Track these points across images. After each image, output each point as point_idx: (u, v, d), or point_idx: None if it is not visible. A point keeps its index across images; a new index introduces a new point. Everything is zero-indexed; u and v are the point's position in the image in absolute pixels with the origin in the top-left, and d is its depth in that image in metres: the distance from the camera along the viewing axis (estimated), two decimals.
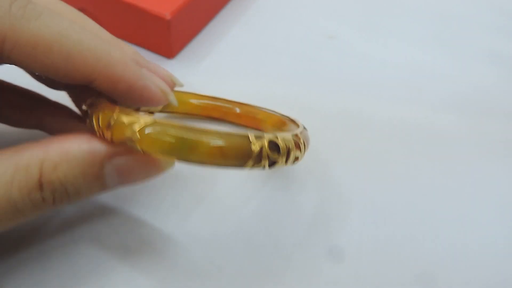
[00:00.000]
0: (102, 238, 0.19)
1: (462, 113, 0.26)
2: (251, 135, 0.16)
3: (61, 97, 0.21)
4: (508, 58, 0.29)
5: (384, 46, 0.29)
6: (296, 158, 0.17)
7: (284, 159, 0.17)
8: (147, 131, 0.15)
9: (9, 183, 0.14)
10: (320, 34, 0.30)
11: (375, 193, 0.21)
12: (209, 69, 0.27)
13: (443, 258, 0.20)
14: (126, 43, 0.18)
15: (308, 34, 0.30)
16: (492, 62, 0.29)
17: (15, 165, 0.14)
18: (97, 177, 0.16)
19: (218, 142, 0.15)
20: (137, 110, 0.20)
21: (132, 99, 0.16)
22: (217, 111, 0.24)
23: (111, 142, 0.15)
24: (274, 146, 0.16)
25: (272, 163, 0.16)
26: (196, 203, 0.21)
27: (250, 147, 0.16)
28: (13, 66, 0.16)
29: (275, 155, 0.16)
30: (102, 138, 0.16)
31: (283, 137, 0.17)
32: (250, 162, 0.16)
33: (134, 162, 0.16)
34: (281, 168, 0.18)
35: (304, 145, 0.18)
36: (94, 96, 0.17)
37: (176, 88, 0.19)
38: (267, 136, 0.16)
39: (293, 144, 0.17)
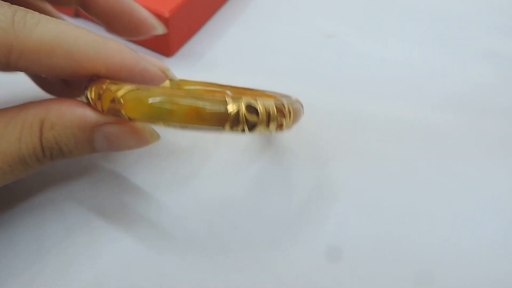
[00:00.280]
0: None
1: (460, 111, 0.26)
2: (228, 97, 0.16)
3: None
4: (506, 58, 0.29)
5: (383, 45, 0.30)
6: (281, 125, 0.17)
7: (264, 123, 0.16)
8: (129, 96, 0.16)
9: (18, 140, 0.16)
10: (319, 33, 0.30)
11: (373, 191, 0.22)
12: (207, 67, 0.27)
13: (441, 257, 0.20)
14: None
15: (307, 33, 0.30)
16: (490, 61, 0.29)
17: (21, 123, 0.16)
18: (87, 141, 0.17)
19: (195, 104, 0.16)
20: None
21: (135, 81, 0.17)
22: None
23: (103, 112, 0.17)
24: (252, 109, 0.16)
25: (252, 127, 0.16)
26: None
27: (227, 109, 0.16)
28: None
29: (253, 118, 0.16)
30: (96, 109, 0.17)
31: (263, 101, 0.17)
32: (228, 124, 0.16)
33: (123, 131, 0.18)
34: (267, 135, 0.18)
35: (290, 113, 0.18)
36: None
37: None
38: (246, 99, 0.16)
39: (275, 109, 0.17)
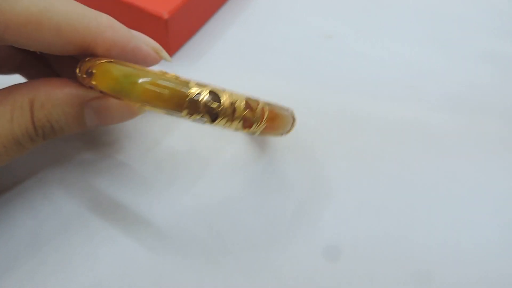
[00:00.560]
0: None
1: (458, 112, 0.26)
2: (193, 81, 0.16)
3: None
4: (504, 58, 0.29)
5: (381, 45, 0.30)
6: (249, 124, 0.16)
7: (229, 116, 0.16)
8: (100, 67, 0.16)
9: (10, 120, 0.16)
10: (317, 34, 0.30)
11: (372, 191, 0.22)
12: (206, 68, 0.27)
13: (439, 256, 0.20)
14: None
15: (306, 33, 0.30)
16: (487, 61, 0.29)
17: (11, 104, 0.16)
18: (77, 117, 0.17)
19: (157, 82, 0.15)
20: None
21: (127, 60, 0.17)
22: None
23: (90, 88, 0.17)
24: (215, 97, 0.15)
25: (213, 116, 0.15)
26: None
27: (186, 91, 0.15)
28: None
29: (214, 106, 0.15)
30: (84, 85, 0.17)
31: (232, 93, 0.16)
32: (186, 108, 0.15)
33: (110, 104, 0.18)
34: (228, 129, 0.16)
35: (264, 114, 0.17)
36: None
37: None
38: (211, 87, 0.16)
39: (243, 104, 0.16)
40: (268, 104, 0.17)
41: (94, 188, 0.21)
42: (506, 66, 0.29)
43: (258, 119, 0.17)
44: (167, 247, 0.19)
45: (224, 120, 0.16)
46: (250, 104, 0.16)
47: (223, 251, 0.19)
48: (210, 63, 0.27)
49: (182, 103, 0.15)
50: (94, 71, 0.16)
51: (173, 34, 0.27)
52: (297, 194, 0.21)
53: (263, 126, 0.17)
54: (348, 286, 0.19)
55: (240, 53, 0.28)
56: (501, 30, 0.31)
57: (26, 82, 0.17)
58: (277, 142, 0.23)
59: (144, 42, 0.18)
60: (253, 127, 0.17)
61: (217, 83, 0.24)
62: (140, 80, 0.15)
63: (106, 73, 0.16)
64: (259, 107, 0.17)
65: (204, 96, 0.15)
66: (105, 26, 0.16)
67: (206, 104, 0.15)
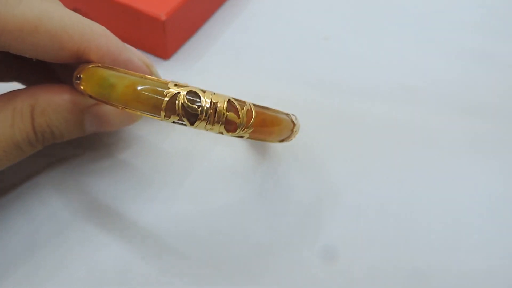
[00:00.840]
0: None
1: (455, 112, 0.26)
2: (173, 82, 0.15)
3: None
4: (501, 58, 0.29)
5: (379, 46, 0.30)
6: (233, 128, 0.15)
7: (206, 118, 0.15)
8: (87, 71, 0.16)
9: (11, 126, 0.16)
10: (315, 36, 0.30)
11: (369, 192, 0.22)
12: (204, 70, 0.27)
13: (436, 256, 0.20)
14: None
15: (303, 35, 0.30)
16: (484, 62, 0.29)
17: (12, 110, 0.16)
18: (77, 123, 0.18)
19: (135, 83, 0.15)
20: None
21: None
22: None
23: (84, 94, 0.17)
24: (194, 98, 0.15)
25: (192, 118, 0.15)
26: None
27: (163, 92, 0.15)
28: None
29: (193, 107, 0.15)
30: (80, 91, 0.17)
31: (214, 94, 0.15)
32: (164, 110, 0.15)
33: (110, 111, 0.18)
34: (213, 133, 0.16)
35: (251, 117, 0.16)
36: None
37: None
38: (191, 87, 0.15)
39: (225, 105, 0.15)
40: (259, 107, 0.16)
41: (90, 192, 0.21)
42: (503, 66, 0.29)
43: (244, 122, 0.16)
44: (165, 252, 0.19)
45: (204, 123, 0.15)
46: (234, 106, 0.15)
47: (223, 255, 0.19)
48: (207, 65, 0.27)
49: (159, 105, 0.15)
50: (81, 75, 0.16)
51: (171, 36, 0.26)
52: (297, 196, 0.21)
53: (250, 130, 0.16)
54: None
55: (237, 55, 0.28)
56: (497, 30, 0.31)
57: (26, 88, 0.17)
58: (276, 144, 0.23)
59: (136, 55, 0.18)
60: (237, 130, 0.16)
61: (214, 85, 0.24)
62: (119, 83, 0.15)
63: (91, 77, 0.16)
64: (245, 109, 0.16)
65: (182, 97, 0.15)
66: (100, 35, 0.17)
67: (183, 106, 0.15)
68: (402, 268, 0.19)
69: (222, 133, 0.15)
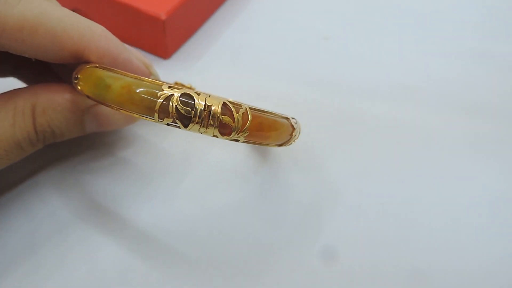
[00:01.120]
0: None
1: (455, 112, 0.26)
2: (167, 84, 0.15)
3: None
4: (501, 58, 0.29)
5: (379, 47, 0.30)
6: (228, 132, 0.15)
7: (200, 120, 0.14)
8: (84, 71, 0.16)
9: (12, 125, 0.16)
10: (315, 35, 0.30)
11: (369, 192, 0.22)
12: (204, 70, 0.27)
13: (436, 255, 0.20)
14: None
15: (304, 35, 0.30)
16: (484, 62, 0.29)
17: (13, 109, 0.16)
18: (77, 123, 0.18)
19: (129, 84, 0.15)
20: None
21: None
22: None
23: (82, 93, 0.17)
24: (188, 100, 0.14)
25: (185, 121, 0.14)
26: (183, 193, 0.21)
27: (157, 94, 0.14)
28: None
29: (186, 110, 0.14)
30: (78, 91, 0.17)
31: (209, 96, 0.15)
32: (157, 112, 0.14)
33: (110, 112, 0.18)
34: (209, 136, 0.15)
35: (247, 120, 0.15)
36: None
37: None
38: (186, 89, 0.15)
39: (220, 108, 0.15)
40: (257, 111, 0.16)
41: (90, 191, 0.21)
42: (503, 66, 0.29)
43: (239, 126, 0.15)
44: (165, 251, 0.19)
45: (198, 126, 0.15)
46: (229, 109, 0.15)
47: (223, 255, 0.19)
48: (207, 65, 0.27)
49: (153, 107, 0.15)
50: (79, 75, 0.16)
51: (171, 35, 0.26)
52: (297, 196, 0.21)
53: (245, 134, 0.15)
54: None
55: (237, 54, 0.28)
56: (498, 30, 0.31)
57: (27, 87, 0.17)
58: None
59: (135, 55, 0.18)
60: (232, 134, 0.15)
61: (214, 85, 0.24)
62: (114, 84, 0.15)
63: (88, 77, 0.16)
64: (240, 112, 0.15)
65: (176, 99, 0.14)
66: (99, 35, 0.17)
67: (177, 108, 0.14)
68: (402, 267, 0.19)
69: (216, 136, 0.15)
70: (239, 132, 0.15)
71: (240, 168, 0.22)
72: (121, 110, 0.15)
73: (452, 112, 0.26)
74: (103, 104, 0.16)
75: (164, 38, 0.26)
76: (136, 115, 0.15)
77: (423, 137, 0.24)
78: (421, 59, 0.29)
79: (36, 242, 0.19)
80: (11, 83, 0.21)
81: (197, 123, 0.15)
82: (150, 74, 0.19)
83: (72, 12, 0.17)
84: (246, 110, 0.15)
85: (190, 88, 0.23)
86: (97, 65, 0.16)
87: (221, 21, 0.30)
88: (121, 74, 0.16)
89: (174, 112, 0.14)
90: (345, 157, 0.23)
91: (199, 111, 0.14)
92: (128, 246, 0.19)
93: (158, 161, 0.22)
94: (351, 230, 0.20)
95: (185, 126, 0.15)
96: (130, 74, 0.15)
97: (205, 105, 0.15)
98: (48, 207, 0.20)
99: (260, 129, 0.16)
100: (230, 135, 0.15)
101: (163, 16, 0.25)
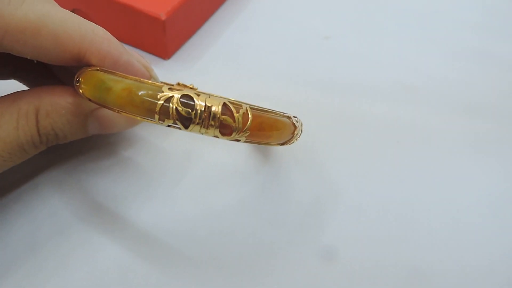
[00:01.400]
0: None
1: (456, 112, 0.26)
2: (167, 85, 0.15)
3: None
4: (501, 58, 0.29)
5: (379, 46, 0.30)
6: (229, 132, 0.15)
7: (200, 121, 0.15)
8: (85, 74, 0.16)
9: (16, 128, 0.16)
10: (315, 35, 0.30)
11: (369, 191, 0.22)
12: (204, 70, 0.27)
13: (437, 255, 0.20)
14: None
15: (304, 34, 0.30)
16: (484, 61, 0.29)
17: (17, 112, 0.16)
18: (80, 126, 0.18)
19: (129, 86, 0.15)
20: None
21: None
22: None
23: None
24: (188, 101, 0.14)
25: (186, 122, 0.15)
26: (183, 194, 0.21)
27: (157, 96, 0.14)
28: None
29: (186, 111, 0.14)
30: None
31: (209, 97, 0.15)
32: (158, 114, 0.14)
33: (113, 115, 0.18)
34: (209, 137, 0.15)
35: (247, 120, 0.15)
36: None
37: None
38: (186, 91, 0.15)
39: (220, 109, 0.15)
40: (257, 110, 0.16)
41: (91, 191, 0.20)
42: (503, 66, 0.29)
43: (239, 126, 0.15)
44: (166, 251, 0.19)
45: (198, 127, 0.15)
46: (230, 109, 0.15)
47: (224, 255, 0.19)
48: (207, 65, 0.27)
49: (153, 109, 0.15)
50: (80, 79, 0.16)
51: (171, 36, 0.26)
52: (297, 196, 0.21)
53: (246, 134, 0.15)
54: None
55: (237, 54, 0.28)
56: (498, 30, 0.31)
57: (30, 90, 0.17)
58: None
59: (136, 58, 0.18)
60: (233, 134, 0.15)
61: (214, 85, 0.24)
62: (115, 86, 0.15)
63: (89, 80, 0.16)
64: (241, 112, 0.15)
65: (176, 101, 0.14)
66: (101, 38, 0.17)
67: (177, 110, 0.14)
68: (403, 267, 0.19)
69: (217, 136, 0.15)
70: (240, 132, 0.15)
71: (240, 168, 0.22)
72: (122, 113, 0.15)
73: (452, 112, 0.26)
74: (104, 107, 0.16)
75: (164, 38, 0.26)
76: (137, 117, 0.15)
77: (423, 136, 0.24)
78: (421, 59, 0.29)
79: (37, 242, 0.19)
80: (12, 85, 0.21)
81: (197, 124, 0.15)
82: (150, 77, 0.19)
83: (74, 14, 0.17)
84: (246, 110, 0.15)
85: (192, 88, 0.23)
86: (98, 68, 0.16)
87: (221, 21, 0.30)
88: (121, 76, 0.16)
89: (175, 113, 0.15)
90: (345, 157, 0.23)
91: (199, 112, 0.15)
92: (129, 247, 0.19)
93: (158, 161, 0.22)
94: (351, 230, 0.20)
95: (186, 127, 0.15)
96: (130, 76, 0.16)
97: (205, 105, 0.15)
98: (48, 208, 0.20)
99: (261, 129, 0.16)
100: (231, 135, 0.15)
101: (163, 16, 0.25)
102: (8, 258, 0.18)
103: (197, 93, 0.15)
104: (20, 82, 0.21)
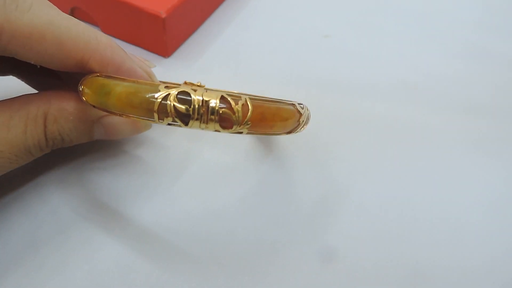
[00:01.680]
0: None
1: (457, 110, 0.26)
2: (163, 84, 0.15)
3: None
4: (502, 57, 0.29)
5: (379, 44, 0.30)
6: (229, 125, 0.15)
7: (199, 117, 0.14)
8: (87, 80, 0.16)
9: (24, 132, 0.17)
10: (315, 33, 0.30)
11: (371, 190, 0.22)
12: (204, 68, 0.27)
13: (439, 253, 0.20)
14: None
15: (304, 33, 0.30)
16: (485, 60, 0.29)
17: (25, 116, 0.17)
18: (87, 131, 0.19)
19: (127, 88, 0.15)
20: None
21: None
22: None
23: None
24: (185, 98, 0.14)
25: (184, 119, 0.15)
26: (185, 189, 0.21)
27: (154, 95, 0.14)
28: None
29: (183, 108, 0.14)
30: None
31: (206, 91, 0.15)
32: (157, 113, 0.14)
33: (119, 121, 0.19)
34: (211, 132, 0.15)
35: (247, 111, 0.15)
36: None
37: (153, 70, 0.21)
38: (182, 87, 0.15)
39: (217, 102, 0.14)
40: (258, 100, 0.16)
41: (91, 190, 0.20)
42: (504, 65, 0.29)
43: (239, 118, 0.15)
44: (167, 250, 0.19)
45: (198, 122, 0.15)
46: (228, 101, 0.15)
47: (225, 254, 0.19)
48: (208, 63, 0.27)
49: (152, 108, 0.15)
50: (83, 86, 0.17)
51: (171, 34, 0.26)
52: (299, 195, 0.21)
53: (248, 125, 0.15)
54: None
55: (237, 52, 0.28)
56: (499, 28, 0.31)
57: (39, 94, 0.18)
58: (278, 143, 0.23)
59: (139, 64, 0.19)
60: (234, 127, 0.15)
61: (214, 83, 0.24)
62: (113, 90, 0.15)
63: (90, 87, 0.16)
64: (240, 104, 0.15)
65: (173, 98, 0.14)
66: (104, 45, 0.17)
67: (175, 107, 0.14)
68: (405, 266, 0.19)
69: (218, 131, 0.15)
70: (241, 124, 0.15)
71: (242, 167, 0.22)
72: (124, 116, 0.16)
73: (453, 110, 0.26)
74: (106, 111, 0.16)
75: (164, 36, 0.26)
76: (138, 118, 0.15)
77: (424, 135, 0.24)
78: (422, 57, 0.29)
79: (37, 241, 0.19)
80: (10, 82, 0.21)
81: (196, 119, 0.15)
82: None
83: (79, 21, 0.17)
84: (246, 101, 0.15)
85: (199, 86, 0.23)
86: (98, 74, 0.17)
87: (221, 19, 0.30)
88: (119, 80, 0.16)
89: (173, 111, 0.14)
90: (346, 156, 0.23)
91: (197, 107, 0.14)
92: (130, 245, 0.19)
93: (160, 159, 0.22)
94: (353, 229, 0.20)
95: (186, 124, 0.15)
96: (127, 78, 0.16)
97: (202, 100, 0.14)
98: (49, 206, 0.20)
99: (263, 119, 0.16)
100: (232, 128, 0.15)
101: (163, 14, 0.25)
102: (8, 257, 0.18)
103: (194, 88, 0.15)
104: (18, 78, 0.21)
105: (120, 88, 0.15)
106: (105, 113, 0.18)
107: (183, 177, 0.21)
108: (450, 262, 0.19)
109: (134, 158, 0.22)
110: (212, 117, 0.15)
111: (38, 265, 0.18)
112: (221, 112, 0.15)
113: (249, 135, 0.23)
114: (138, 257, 0.19)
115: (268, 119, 0.16)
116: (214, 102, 0.14)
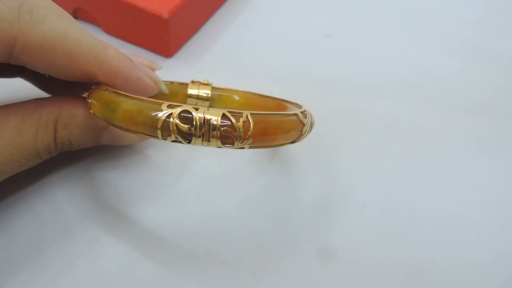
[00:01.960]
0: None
1: (458, 110, 0.26)
2: (166, 103, 0.15)
3: None
4: (503, 56, 0.29)
5: (380, 44, 0.30)
6: (231, 142, 0.15)
7: (201, 135, 0.15)
8: (94, 94, 0.17)
9: (35, 136, 0.17)
10: (316, 33, 0.30)
11: (373, 189, 0.22)
12: (206, 68, 0.27)
13: (440, 252, 0.20)
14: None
15: (305, 33, 0.30)
16: (486, 60, 0.29)
17: (37, 121, 0.17)
18: (95, 137, 0.19)
19: (131, 106, 0.16)
20: None
21: (128, 90, 0.18)
22: (217, 100, 0.24)
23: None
24: (187, 117, 0.15)
25: (188, 138, 0.15)
26: (186, 192, 0.21)
27: (157, 114, 0.15)
28: None
29: (185, 127, 0.15)
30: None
31: (207, 109, 0.15)
32: (160, 131, 0.15)
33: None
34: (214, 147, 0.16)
35: (249, 128, 0.15)
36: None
37: (156, 71, 0.21)
38: (185, 106, 0.15)
39: (219, 120, 0.15)
40: (259, 115, 0.16)
41: (96, 191, 0.21)
42: (505, 64, 0.29)
43: (240, 135, 0.15)
44: (172, 250, 0.19)
45: (200, 140, 0.15)
46: (229, 119, 0.15)
47: (228, 254, 0.19)
48: (210, 63, 0.27)
49: (155, 126, 0.15)
50: (90, 99, 0.17)
51: (173, 34, 0.26)
52: (300, 195, 0.21)
53: (249, 141, 0.16)
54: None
55: (239, 52, 0.28)
56: (500, 28, 0.31)
57: (51, 99, 0.18)
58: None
59: (145, 73, 0.19)
60: (236, 143, 0.15)
61: (216, 83, 0.24)
62: (118, 108, 0.16)
63: (97, 101, 0.17)
64: (241, 121, 0.15)
65: (175, 117, 0.15)
66: (112, 57, 0.17)
67: (177, 126, 0.15)
68: (406, 265, 0.19)
69: (221, 147, 0.16)
70: (243, 141, 0.15)
71: (245, 167, 0.22)
72: (129, 131, 0.16)
73: (454, 109, 0.26)
74: (113, 125, 0.17)
75: (166, 36, 0.26)
76: (143, 136, 0.16)
77: (425, 134, 0.24)
78: (423, 57, 0.29)
79: (42, 241, 0.19)
80: (19, 84, 0.21)
81: (199, 137, 0.15)
82: (158, 89, 0.20)
83: (89, 33, 0.17)
84: (247, 117, 0.15)
85: (207, 84, 0.24)
86: (104, 87, 0.17)
87: (223, 19, 0.30)
88: (123, 96, 0.16)
89: (175, 129, 0.15)
90: (347, 155, 0.23)
91: (198, 125, 0.15)
92: (134, 246, 0.19)
93: (164, 161, 0.22)
94: (354, 228, 0.20)
95: (189, 142, 0.15)
96: (132, 96, 0.16)
97: (204, 119, 0.15)
98: (53, 206, 0.20)
99: (264, 134, 0.16)
100: (234, 144, 0.15)
101: (166, 15, 0.25)
102: (12, 257, 0.18)
103: (195, 107, 0.15)
104: (27, 80, 0.21)
105: (124, 106, 0.16)
106: None
107: (187, 178, 0.21)
108: (451, 261, 0.20)
109: (139, 158, 0.22)
110: (214, 133, 0.15)
111: (42, 265, 0.18)
112: (222, 130, 0.15)
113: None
114: (143, 257, 0.19)
115: (269, 133, 0.16)
116: (215, 120, 0.15)
